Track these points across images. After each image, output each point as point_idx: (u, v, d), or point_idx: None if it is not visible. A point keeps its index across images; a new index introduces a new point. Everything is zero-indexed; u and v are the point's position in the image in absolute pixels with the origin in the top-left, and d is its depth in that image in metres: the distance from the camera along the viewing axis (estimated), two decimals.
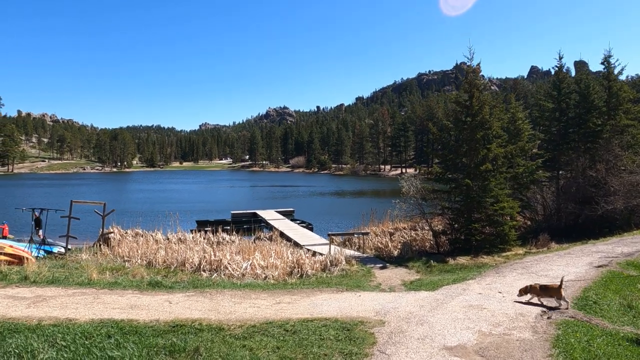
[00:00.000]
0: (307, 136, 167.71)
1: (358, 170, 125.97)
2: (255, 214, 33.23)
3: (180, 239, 21.82)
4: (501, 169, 17.16)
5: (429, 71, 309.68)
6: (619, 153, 20.81)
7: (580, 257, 13.42)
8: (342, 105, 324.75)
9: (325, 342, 5.61)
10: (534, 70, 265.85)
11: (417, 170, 26.79)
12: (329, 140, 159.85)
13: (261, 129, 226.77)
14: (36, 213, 19.67)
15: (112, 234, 20.22)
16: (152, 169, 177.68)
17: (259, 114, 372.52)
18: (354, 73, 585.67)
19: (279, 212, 33.40)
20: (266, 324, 6.21)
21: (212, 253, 14.93)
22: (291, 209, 36.45)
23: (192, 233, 23.92)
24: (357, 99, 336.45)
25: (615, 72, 22.61)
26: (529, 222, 22.14)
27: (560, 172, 22.47)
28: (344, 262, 14.49)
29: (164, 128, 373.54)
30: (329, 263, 14.28)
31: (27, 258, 12.91)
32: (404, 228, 22.43)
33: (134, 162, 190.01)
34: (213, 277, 12.78)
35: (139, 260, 15.15)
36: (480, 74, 17.52)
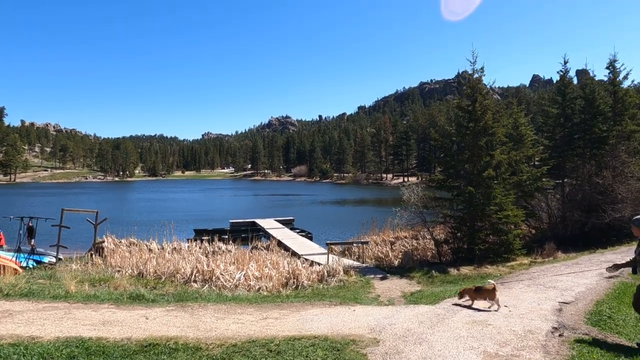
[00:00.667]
0: (309, 145, 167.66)
1: (360, 179, 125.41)
2: (254, 222, 32.71)
3: (175, 248, 21.32)
4: (504, 175, 16.59)
5: (431, 80, 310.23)
6: (625, 159, 20.20)
7: (589, 267, 12.78)
8: (344, 114, 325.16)
9: None
10: (535, 79, 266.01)
11: (419, 179, 26.22)
12: (330, 149, 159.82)
13: (263, 138, 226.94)
14: (28, 222, 19.15)
15: (106, 244, 19.77)
16: (154, 178, 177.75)
17: (261, 123, 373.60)
18: (356, 82, 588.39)
19: (278, 221, 32.86)
20: (249, 343, 5.61)
21: (205, 263, 14.36)
22: (291, 218, 35.92)
23: (189, 242, 23.44)
24: (359, 107, 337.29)
25: (621, 76, 22.09)
26: (533, 231, 21.48)
27: (566, 179, 21.86)
28: (341, 273, 13.89)
29: (166, 137, 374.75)
30: (326, 273, 13.68)
31: (10, 268, 12.35)
32: (405, 237, 21.84)
33: (136, 171, 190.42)
34: (203, 288, 12.21)
35: (130, 271, 14.61)
36: (483, 77, 16.99)
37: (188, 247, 21.83)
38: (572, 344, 5.77)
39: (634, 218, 6.61)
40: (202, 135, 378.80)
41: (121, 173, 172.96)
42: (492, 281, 8.41)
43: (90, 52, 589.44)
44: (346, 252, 20.15)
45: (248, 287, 12.53)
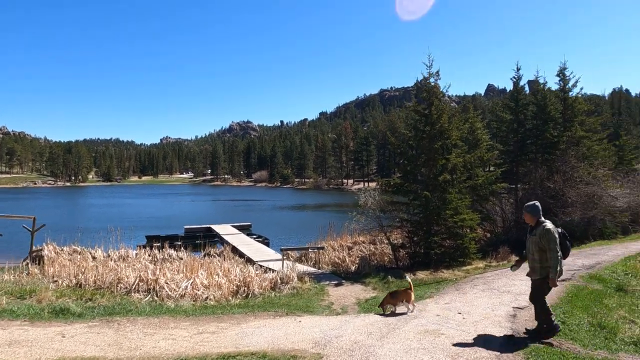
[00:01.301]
0: (270, 150, 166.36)
1: (321, 184, 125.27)
2: (209, 228, 31.68)
3: (122, 256, 20.23)
4: (460, 179, 16.56)
5: (391, 87, 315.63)
6: (575, 164, 20.72)
7: None
8: (305, 120, 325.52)
9: None
10: (490, 88, 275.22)
11: (379, 184, 26.07)
12: (292, 154, 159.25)
13: (224, 142, 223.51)
14: None
15: (45, 252, 18.50)
16: (108, 183, 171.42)
17: (222, 128, 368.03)
18: (318, 88, 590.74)
19: (235, 227, 31.92)
20: None
21: (150, 272, 13.46)
22: (248, 223, 35.03)
23: (138, 249, 22.32)
24: (320, 113, 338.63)
25: (570, 84, 22.73)
26: (488, 235, 21.65)
27: (519, 184, 22.21)
28: (295, 280, 13.33)
29: (122, 142, 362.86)
30: (279, 281, 13.08)
31: None
32: (363, 242, 21.53)
33: (90, 176, 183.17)
34: (145, 299, 11.38)
35: (67, 281, 13.52)
36: (439, 80, 16.95)
37: (136, 254, 20.77)
38: (527, 353, 5.45)
39: (526, 204, 6.45)
40: (161, 140, 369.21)
41: (73, 178, 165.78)
42: (408, 279, 8.06)
43: (42, 54, 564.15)
44: (303, 258, 19.60)
45: (194, 296, 11.77)
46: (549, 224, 6.19)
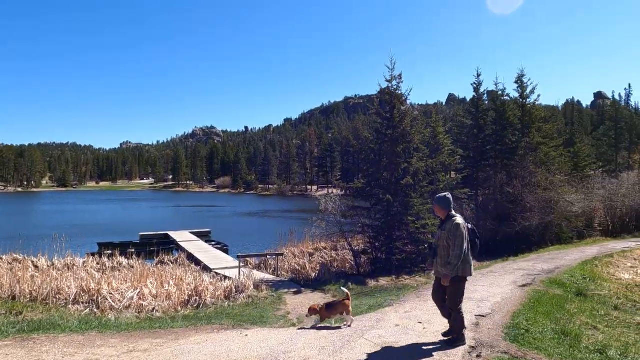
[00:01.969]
0: (234, 156, 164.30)
1: (285, 190, 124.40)
2: (166, 235, 30.43)
3: (67, 264, 18.98)
4: (422, 183, 16.34)
5: (356, 95, 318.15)
6: (533, 170, 21.01)
7: (503, 276, 12.63)
8: (270, 126, 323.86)
9: None
10: (451, 98, 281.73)
11: (342, 191, 25.70)
12: (256, 160, 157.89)
13: (186, 148, 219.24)
14: None
15: None
16: (64, 189, 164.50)
17: (184, 133, 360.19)
18: (283, 95, 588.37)
19: (194, 233, 30.78)
20: None
21: (95, 281, 12.48)
22: (207, 230, 33.93)
23: (86, 257, 21.06)
24: (285, 120, 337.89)
25: (528, 90, 23.14)
26: None
27: (479, 189, 22.33)
28: (251, 288, 12.66)
29: (80, 146, 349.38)
30: (234, 289, 12.36)
31: None
32: (325, 248, 21.00)
33: (44, 181, 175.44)
34: (85, 311, 10.46)
35: (0, 292, 12.33)
36: (401, 84, 16.75)
37: (84, 262, 19.56)
38: None
39: (437, 196, 6.10)
40: (121, 144, 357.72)
41: (25, 183, 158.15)
42: (345, 289, 7.52)
43: None
44: (262, 265, 18.88)
45: (140, 308, 10.91)
46: (459, 219, 5.81)
